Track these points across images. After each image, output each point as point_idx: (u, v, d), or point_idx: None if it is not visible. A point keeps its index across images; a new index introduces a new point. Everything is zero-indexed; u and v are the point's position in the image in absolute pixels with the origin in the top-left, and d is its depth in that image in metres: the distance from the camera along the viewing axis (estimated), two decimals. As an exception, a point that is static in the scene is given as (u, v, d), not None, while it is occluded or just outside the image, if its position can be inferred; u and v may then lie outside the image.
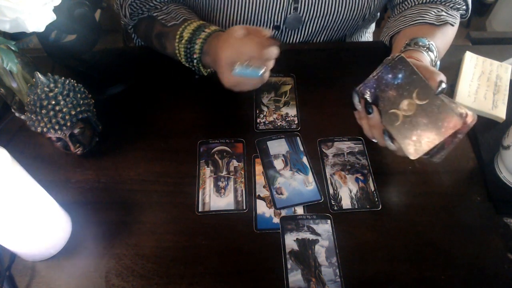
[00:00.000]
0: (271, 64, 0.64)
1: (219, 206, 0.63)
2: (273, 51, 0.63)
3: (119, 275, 0.57)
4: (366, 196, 0.64)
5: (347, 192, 0.65)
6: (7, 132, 0.72)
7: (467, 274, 0.57)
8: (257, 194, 0.65)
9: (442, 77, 0.56)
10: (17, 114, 0.69)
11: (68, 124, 0.61)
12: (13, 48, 0.54)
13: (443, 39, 0.72)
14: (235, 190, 0.65)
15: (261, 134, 0.72)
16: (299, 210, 0.63)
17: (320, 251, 0.59)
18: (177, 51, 0.72)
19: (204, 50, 0.69)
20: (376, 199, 0.64)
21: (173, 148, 0.70)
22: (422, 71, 0.56)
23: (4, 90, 0.66)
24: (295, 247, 0.59)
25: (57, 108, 0.59)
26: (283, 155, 0.69)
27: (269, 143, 0.71)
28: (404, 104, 0.57)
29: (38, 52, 0.81)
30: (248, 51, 0.61)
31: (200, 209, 0.63)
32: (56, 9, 0.52)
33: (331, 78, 0.81)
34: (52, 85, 0.60)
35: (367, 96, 0.60)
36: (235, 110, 0.76)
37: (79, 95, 0.63)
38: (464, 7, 0.78)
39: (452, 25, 0.75)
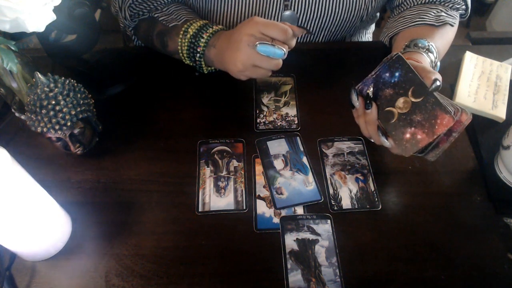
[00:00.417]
0: (292, 44, 0.63)
1: (219, 206, 0.63)
2: (297, 33, 0.62)
3: (119, 275, 0.57)
4: (366, 196, 0.64)
5: (347, 192, 0.65)
6: (7, 132, 0.72)
7: (467, 274, 0.57)
8: (257, 194, 0.65)
9: (437, 75, 0.56)
10: (17, 114, 0.69)
11: (68, 124, 0.61)
12: (13, 48, 0.54)
13: (442, 39, 0.72)
14: (235, 190, 0.65)
15: (261, 134, 0.72)
16: (299, 210, 0.63)
17: (320, 251, 0.59)
18: (179, 47, 0.72)
19: (210, 43, 0.70)
20: (376, 199, 0.64)
21: (173, 148, 0.70)
22: (419, 71, 0.57)
23: (4, 90, 0.66)
24: (295, 247, 0.59)
25: (57, 108, 0.59)
26: (283, 155, 0.69)
27: (269, 143, 0.71)
28: (400, 101, 0.58)
29: (38, 52, 0.81)
30: (272, 32, 0.61)
31: (200, 209, 0.63)
32: (56, 9, 0.52)
33: (331, 78, 0.81)
34: (52, 85, 0.60)
35: (369, 92, 0.60)
36: (235, 110, 0.76)
37: (79, 95, 0.63)
38: (464, 7, 0.78)
39: (452, 26, 0.75)
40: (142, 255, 0.59)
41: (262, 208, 0.63)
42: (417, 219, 0.62)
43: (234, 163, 0.68)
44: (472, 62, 0.82)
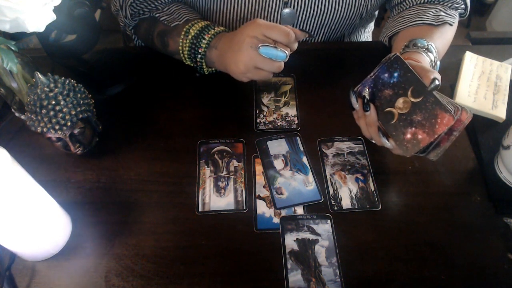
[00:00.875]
0: (294, 47, 0.63)
1: (219, 206, 0.63)
2: (299, 36, 0.63)
3: (119, 275, 0.57)
4: (366, 196, 0.64)
5: (347, 192, 0.65)
6: (7, 132, 0.72)
7: (467, 274, 0.57)
8: (257, 194, 0.65)
9: (436, 74, 0.56)
10: (17, 114, 0.68)
11: (68, 124, 0.61)
12: (13, 48, 0.54)
13: (442, 39, 0.72)
14: (235, 190, 0.65)
15: (261, 134, 0.72)
16: (299, 210, 0.63)
17: (320, 251, 0.59)
18: (180, 47, 0.72)
19: (211, 44, 0.69)
20: (376, 199, 0.64)
21: (173, 148, 0.70)
22: (418, 70, 0.57)
23: (4, 90, 0.66)
24: (295, 247, 0.59)
25: (57, 108, 0.59)
26: (283, 155, 0.69)
27: (269, 143, 0.71)
28: (400, 102, 0.58)
29: (38, 52, 0.81)
30: (274, 35, 0.61)
31: (200, 209, 0.63)
32: (56, 9, 0.52)
33: (331, 78, 0.81)
34: (52, 85, 0.60)
35: (365, 94, 0.60)
36: (235, 110, 0.76)
37: (79, 95, 0.63)
38: (463, 6, 0.78)
39: (451, 25, 0.75)
40: (142, 255, 0.59)
41: (262, 208, 0.63)
42: (417, 219, 0.62)
43: (234, 163, 0.68)
44: (472, 62, 0.82)
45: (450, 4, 0.77)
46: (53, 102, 0.59)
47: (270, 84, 0.79)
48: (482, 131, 0.72)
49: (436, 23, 0.72)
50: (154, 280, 0.56)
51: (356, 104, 0.61)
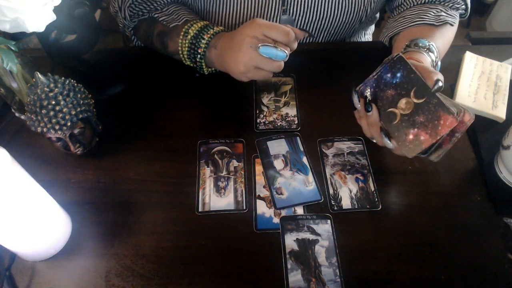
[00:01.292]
0: (294, 46, 0.64)
1: (219, 206, 0.63)
2: (299, 36, 0.63)
3: (119, 275, 0.57)
4: (366, 196, 0.64)
5: (347, 192, 0.65)
6: (7, 132, 0.72)
7: (467, 274, 0.57)
8: (257, 194, 0.65)
9: (439, 76, 0.56)
10: (17, 114, 0.69)
11: (68, 124, 0.61)
12: (13, 48, 0.54)
13: (443, 39, 0.72)
14: (235, 190, 0.65)
15: (261, 134, 0.72)
16: (299, 210, 0.63)
17: (320, 251, 0.59)
18: (180, 48, 0.72)
19: (211, 44, 0.69)
20: (376, 199, 0.64)
21: (173, 148, 0.70)
22: (421, 71, 0.57)
23: (4, 90, 0.66)
24: (295, 247, 0.59)
25: (57, 108, 0.59)
26: (283, 155, 0.69)
27: (269, 143, 0.71)
28: (402, 102, 0.57)
29: (38, 52, 0.81)
30: (274, 34, 0.61)
31: (200, 209, 0.63)
32: (56, 9, 0.52)
33: (331, 78, 0.81)
34: (52, 85, 0.60)
35: (367, 94, 0.60)
36: (235, 110, 0.76)
37: (79, 95, 0.63)
38: (463, 6, 0.78)
39: (452, 25, 0.75)
40: (142, 255, 0.59)
41: (262, 208, 0.63)
42: (417, 219, 0.62)
43: (234, 163, 0.68)
44: (472, 62, 0.82)
45: (451, 5, 0.77)
46: (53, 102, 0.59)
47: (270, 84, 0.79)
48: (482, 131, 0.72)
49: (437, 23, 0.72)
50: (154, 280, 0.56)
51: (358, 103, 0.61)
